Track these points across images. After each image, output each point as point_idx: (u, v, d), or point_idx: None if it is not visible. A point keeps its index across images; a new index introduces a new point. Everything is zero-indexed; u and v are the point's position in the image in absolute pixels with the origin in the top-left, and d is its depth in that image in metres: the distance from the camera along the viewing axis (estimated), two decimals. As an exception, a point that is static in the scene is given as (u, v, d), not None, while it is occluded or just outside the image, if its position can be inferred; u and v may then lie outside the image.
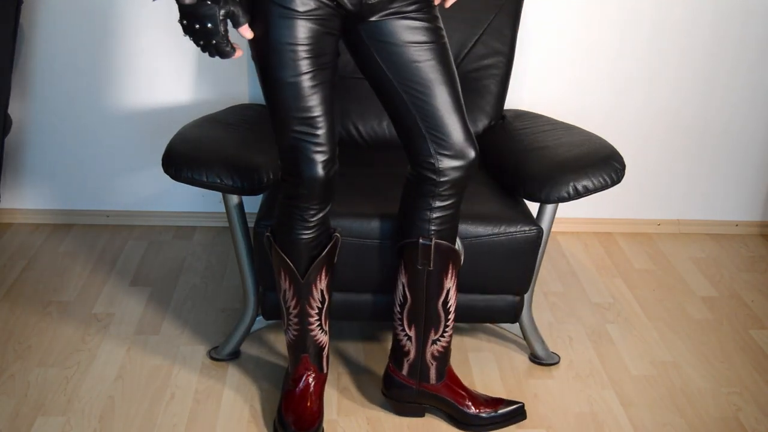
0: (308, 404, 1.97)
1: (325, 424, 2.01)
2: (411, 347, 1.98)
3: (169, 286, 2.59)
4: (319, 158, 1.75)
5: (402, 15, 1.74)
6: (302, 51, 1.67)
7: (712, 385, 2.21)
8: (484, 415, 2.00)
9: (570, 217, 3.01)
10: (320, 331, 1.96)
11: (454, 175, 1.82)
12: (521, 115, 2.56)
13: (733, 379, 2.25)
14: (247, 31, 1.67)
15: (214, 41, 1.62)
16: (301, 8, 1.65)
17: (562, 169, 2.10)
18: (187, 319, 2.42)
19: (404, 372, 2.01)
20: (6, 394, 2.08)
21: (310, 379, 1.99)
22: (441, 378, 2.00)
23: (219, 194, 2.81)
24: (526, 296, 2.21)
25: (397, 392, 2.03)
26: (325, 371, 2.01)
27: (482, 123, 2.51)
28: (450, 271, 1.90)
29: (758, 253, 2.95)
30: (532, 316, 2.26)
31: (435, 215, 1.86)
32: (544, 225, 2.14)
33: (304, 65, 1.68)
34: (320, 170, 1.76)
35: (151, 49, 2.73)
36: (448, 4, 1.82)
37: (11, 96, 2.67)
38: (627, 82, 2.84)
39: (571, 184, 2.06)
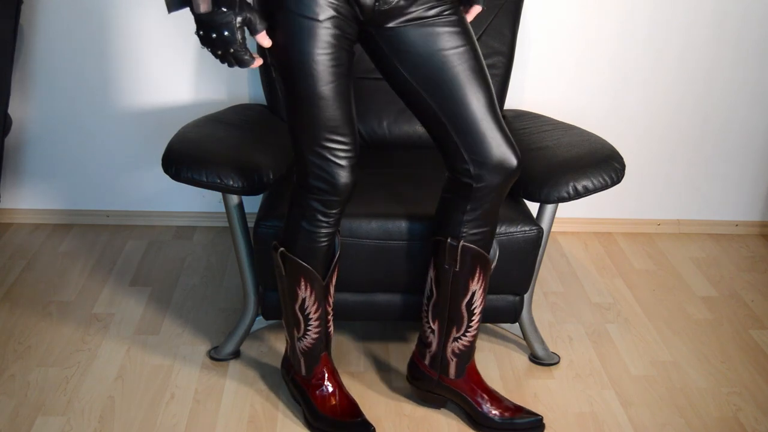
0: (345, 394, 2.01)
1: (325, 424, 2.02)
2: (433, 340, 1.99)
3: (169, 286, 2.59)
4: (349, 163, 1.76)
5: (422, 21, 1.71)
6: (325, 61, 1.66)
7: (712, 385, 2.21)
8: (497, 419, 1.99)
9: (570, 217, 3.01)
10: (332, 322, 2.01)
11: (492, 181, 1.79)
12: (521, 115, 2.56)
13: (733, 379, 2.25)
14: (264, 39, 1.65)
15: (231, 50, 1.61)
16: (321, 17, 1.63)
17: (562, 169, 2.10)
18: (187, 319, 2.42)
19: (426, 362, 2.03)
20: (6, 394, 2.08)
21: (332, 375, 2.01)
22: (461, 374, 2.01)
23: (219, 194, 2.82)
24: (526, 296, 2.21)
25: (419, 381, 2.06)
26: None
27: (482, 123, 2.51)
28: (477, 274, 1.90)
29: (758, 253, 2.95)
30: (532, 316, 2.26)
31: (468, 218, 1.85)
32: (544, 225, 2.14)
33: (328, 75, 1.67)
34: (350, 175, 1.77)
35: (152, 49, 2.73)
36: (470, 18, 1.80)
37: (11, 96, 2.67)
38: (627, 82, 2.84)
39: (571, 184, 2.06)
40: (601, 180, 2.09)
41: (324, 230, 1.84)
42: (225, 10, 1.57)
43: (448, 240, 1.87)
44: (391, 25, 1.72)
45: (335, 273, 1.95)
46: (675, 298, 2.64)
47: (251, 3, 1.62)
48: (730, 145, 2.95)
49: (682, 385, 2.21)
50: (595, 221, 3.04)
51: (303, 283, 1.89)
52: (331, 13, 1.64)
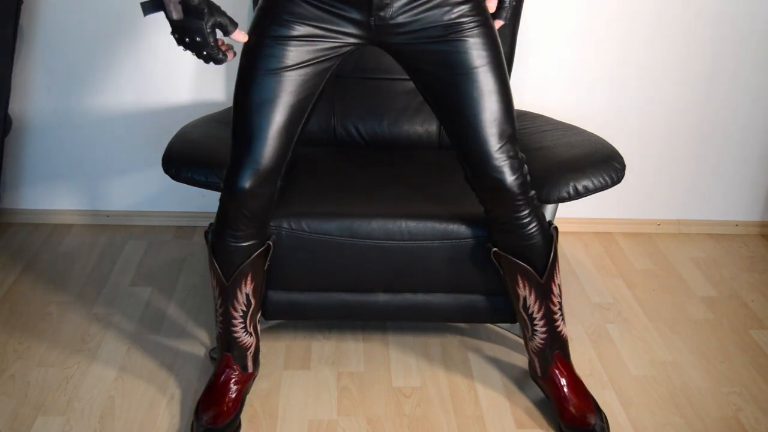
0: (225, 400, 1.98)
1: (325, 424, 2.01)
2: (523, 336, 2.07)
3: (169, 286, 2.59)
4: (243, 172, 1.77)
5: (432, 39, 1.70)
6: (284, 70, 1.71)
7: (712, 385, 2.21)
8: (562, 424, 1.99)
9: (570, 217, 3.01)
10: (244, 333, 1.97)
11: (491, 199, 1.84)
12: (521, 115, 2.56)
13: (733, 379, 2.25)
14: (240, 36, 1.71)
15: (205, 52, 1.67)
16: (294, 33, 1.69)
17: (562, 169, 2.10)
18: (187, 319, 2.42)
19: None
20: (6, 394, 2.08)
21: (232, 377, 2.00)
22: (544, 373, 2.03)
23: (219, 194, 2.81)
24: (526, 296, 2.21)
25: (531, 371, 2.11)
26: (250, 371, 2.02)
27: (482, 123, 2.51)
28: (520, 281, 1.92)
29: (758, 253, 2.95)
30: (532, 316, 2.26)
31: (493, 228, 1.91)
32: (544, 225, 2.14)
33: (279, 81, 1.71)
34: (242, 182, 1.78)
35: (151, 49, 2.73)
36: None
37: (11, 96, 2.67)
38: (627, 82, 2.84)
39: (571, 184, 2.06)
40: (601, 180, 2.09)
41: (228, 231, 1.87)
42: (195, 18, 1.63)
43: (487, 243, 1.95)
44: (396, 41, 1.72)
45: (248, 282, 1.91)
46: (675, 298, 2.64)
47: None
48: (731, 145, 2.95)
49: (682, 385, 2.21)
50: (595, 221, 3.04)
51: (212, 274, 1.94)
52: (306, 31, 1.69)
